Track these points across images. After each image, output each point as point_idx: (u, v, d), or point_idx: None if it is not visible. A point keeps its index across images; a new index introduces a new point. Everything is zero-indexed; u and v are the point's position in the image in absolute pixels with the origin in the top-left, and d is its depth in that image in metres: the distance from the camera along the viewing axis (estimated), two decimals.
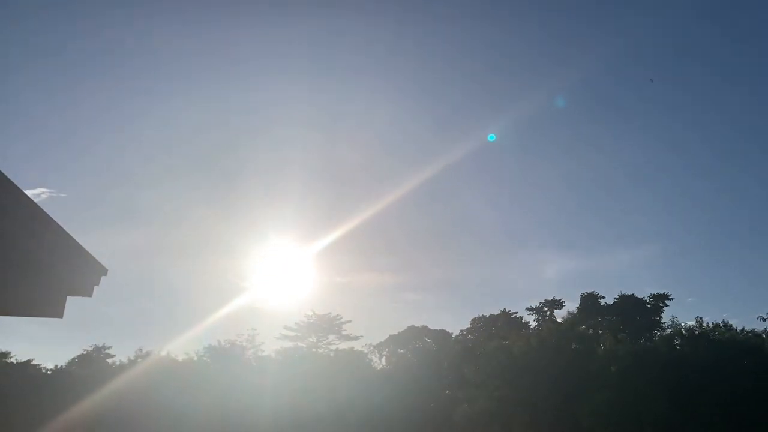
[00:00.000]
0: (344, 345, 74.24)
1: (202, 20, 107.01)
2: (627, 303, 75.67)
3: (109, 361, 70.21)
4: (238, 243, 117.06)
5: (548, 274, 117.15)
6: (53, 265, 4.59)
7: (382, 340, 78.33)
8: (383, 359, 77.17)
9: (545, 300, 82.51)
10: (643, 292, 79.45)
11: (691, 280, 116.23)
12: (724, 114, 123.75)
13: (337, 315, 76.45)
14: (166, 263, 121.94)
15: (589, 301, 77.87)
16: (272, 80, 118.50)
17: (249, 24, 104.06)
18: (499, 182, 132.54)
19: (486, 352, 58.86)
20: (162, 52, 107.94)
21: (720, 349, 51.92)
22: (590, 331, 68.59)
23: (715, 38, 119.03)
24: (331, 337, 75.94)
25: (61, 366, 67.04)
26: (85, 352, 70.48)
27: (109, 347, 71.46)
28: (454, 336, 77.98)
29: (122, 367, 63.97)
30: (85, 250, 4.70)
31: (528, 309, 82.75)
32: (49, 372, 63.93)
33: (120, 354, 71.27)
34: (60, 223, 4.46)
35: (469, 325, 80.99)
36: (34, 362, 63.48)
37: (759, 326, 59.36)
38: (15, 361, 61.76)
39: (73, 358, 69.89)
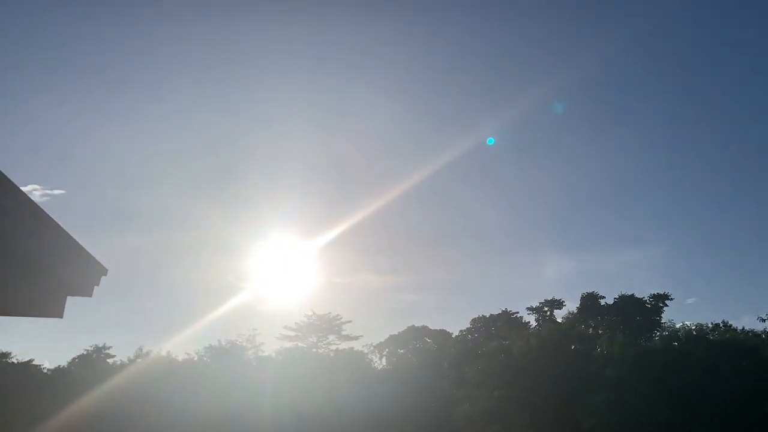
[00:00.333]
0: (344, 345, 74.33)
1: (201, 18, 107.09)
2: (627, 303, 75.73)
3: (109, 361, 70.17)
4: (238, 242, 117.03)
5: (548, 274, 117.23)
6: (53, 265, 4.58)
7: (382, 340, 78.45)
8: (383, 359, 77.28)
9: (545, 300, 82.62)
10: (644, 292, 79.50)
11: (692, 280, 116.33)
12: (725, 114, 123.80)
13: (337, 315, 76.53)
14: (165, 262, 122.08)
15: (589, 301, 77.92)
16: (272, 78, 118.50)
17: (249, 21, 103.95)
18: (499, 182, 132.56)
19: (486, 352, 58.89)
20: (161, 49, 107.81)
21: (720, 349, 51.93)
22: (590, 331, 68.64)
23: (716, 38, 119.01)
24: (331, 337, 75.98)
25: (61, 366, 67.06)
26: (85, 352, 70.45)
27: (109, 347, 71.48)
28: (454, 336, 78.04)
29: (122, 367, 63.95)
30: (85, 250, 4.70)
31: (528, 309, 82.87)
32: (49, 372, 63.91)
33: (120, 354, 71.25)
34: (58, 222, 4.46)
35: (469, 325, 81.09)
36: (34, 362, 63.51)
37: (759, 326, 59.50)
38: (15, 361, 61.77)
39: (73, 358, 69.90)
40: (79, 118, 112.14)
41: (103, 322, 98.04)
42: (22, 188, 4.22)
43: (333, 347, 74.31)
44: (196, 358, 67.08)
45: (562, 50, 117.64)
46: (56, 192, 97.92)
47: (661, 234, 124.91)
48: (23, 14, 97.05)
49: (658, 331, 70.50)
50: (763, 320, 58.03)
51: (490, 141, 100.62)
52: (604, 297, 78.38)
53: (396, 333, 78.10)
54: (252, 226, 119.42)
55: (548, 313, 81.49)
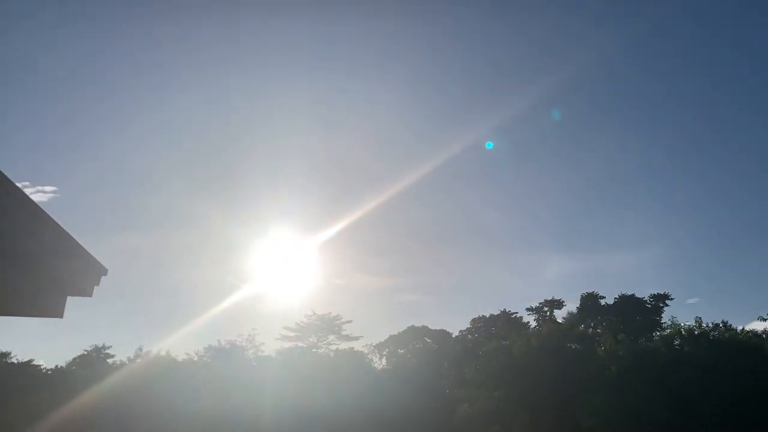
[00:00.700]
0: (344, 345, 74.35)
1: (201, 15, 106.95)
2: (627, 303, 75.76)
3: (109, 361, 70.23)
4: (238, 242, 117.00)
5: (548, 274, 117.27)
6: (53, 265, 4.58)
7: (382, 340, 78.46)
8: (383, 359, 77.25)
9: (545, 300, 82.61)
10: (644, 293, 79.48)
11: (693, 280, 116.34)
12: (725, 114, 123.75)
13: (337, 315, 76.53)
14: (165, 262, 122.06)
15: (589, 301, 77.96)
16: (273, 77, 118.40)
17: (248, 18, 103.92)
18: (499, 181, 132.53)
19: (486, 352, 58.90)
20: (161, 49, 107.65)
21: (720, 349, 51.94)
22: (590, 332, 68.66)
23: (715, 38, 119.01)
24: (332, 337, 76.00)
25: (61, 366, 67.08)
26: (85, 352, 70.50)
27: (109, 347, 71.53)
28: (454, 336, 78.03)
29: (122, 367, 63.98)
30: (85, 250, 4.70)
31: (528, 309, 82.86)
32: (49, 372, 63.93)
33: (120, 354, 71.35)
34: (58, 222, 4.46)
35: (469, 325, 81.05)
36: (34, 362, 63.52)
37: (759, 326, 59.49)
38: (15, 361, 61.78)
39: (74, 358, 69.95)
40: (78, 117, 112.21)
41: (103, 322, 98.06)
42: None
43: (333, 347, 74.41)
44: (195, 358, 67.16)
45: (561, 50, 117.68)
46: (53, 191, 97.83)
47: (661, 234, 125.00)
48: (23, 14, 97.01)
49: (658, 331, 70.51)
50: (764, 320, 58.08)
51: (489, 145, 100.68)
52: (604, 297, 78.44)
53: (396, 333, 78.11)
54: (252, 225, 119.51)
55: (548, 313, 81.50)
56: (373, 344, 77.72)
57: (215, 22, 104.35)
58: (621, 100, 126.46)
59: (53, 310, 4.87)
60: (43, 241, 4.40)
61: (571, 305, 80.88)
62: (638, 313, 75.21)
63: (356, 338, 76.47)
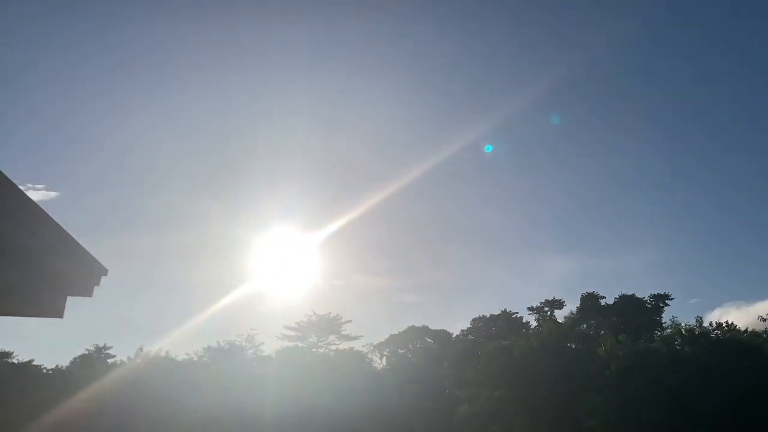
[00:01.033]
0: (344, 345, 74.29)
1: (201, 13, 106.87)
2: (627, 303, 75.80)
3: (110, 361, 70.22)
4: (238, 241, 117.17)
5: (549, 275, 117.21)
6: (53, 265, 4.59)
7: (383, 340, 78.47)
8: (383, 359, 77.25)
9: (546, 300, 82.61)
10: (645, 293, 79.47)
11: (694, 281, 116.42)
12: (725, 115, 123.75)
13: (338, 315, 76.49)
14: (165, 262, 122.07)
15: (590, 301, 78.00)
16: (272, 76, 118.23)
17: (249, 15, 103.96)
18: (499, 182, 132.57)
19: (486, 352, 58.91)
20: (161, 48, 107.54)
21: (721, 349, 51.93)
22: (590, 332, 68.69)
23: (713, 39, 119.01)
24: (332, 337, 75.96)
25: (62, 366, 67.09)
26: (85, 352, 70.50)
27: (109, 347, 71.52)
28: (454, 336, 78.04)
29: (122, 367, 63.97)
30: (85, 250, 4.71)
31: (528, 309, 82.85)
32: (49, 372, 63.93)
33: (120, 354, 71.27)
34: (58, 222, 4.47)
35: (469, 325, 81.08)
36: (34, 362, 63.51)
37: (760, 326, 59.44)
38: (15, 361, 61.76)
39: (74, 358, 69.95)
40: (77, 116, 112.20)
41: (103, 322, 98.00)
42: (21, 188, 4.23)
43: (333, 347, 74.34)
44: (195, 358, 67.14)
45: (561, 50, 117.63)
46: (50, 190, 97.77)
47: (662, 235, 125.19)
48: (24, 15, 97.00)
49: (658, 331, 70.52)
50: (764, 320, 58.08)
51: (488, 148, 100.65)
52: (604, 297, 78.50)
53: (396, 333, 78.11)
54: (252, 225, 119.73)
55: (549, 313, 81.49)
56: (373, 344, 77.78)
57: (215, 21, 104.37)
58: (620, 100, 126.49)
59: (53, 310, 4.88)
60: (43, 241, 4.41)
61: (572, 305, 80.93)
62: (638, 313, 75.24)
63: (356, 338, 76.52)
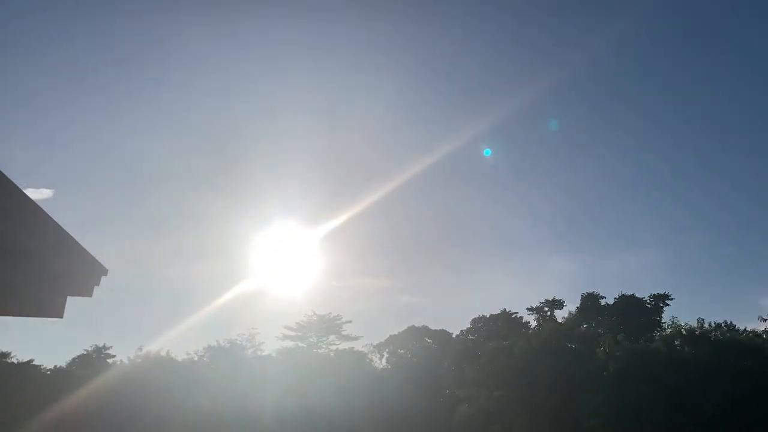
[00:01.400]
0: (345, 345, 74.32)
1: (201, 9, 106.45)
2: (627, 303, 75.87)
3: (109, 361, 70.25)
4: (238, 241, 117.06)
5: (549, 275, 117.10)
6: (53, 265, 4.58)
7: (383, 340, 78.51)
8: (383, 359, 77.28)
9: (546, 300, 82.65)
10: (645, 293, 79.48)
11: (694, 281, 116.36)
12: (725, 114, 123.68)
13: (338, 315, 76.52)
14: (165, 262, 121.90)
15: (590, 301, 78.06)
16: (273, 74, 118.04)
17: (249, 10, 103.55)
18: (499, 182, 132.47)
19: (486, 352, 58.93)
20: (157, 41, 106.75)
21: (721, 349, 51.95)
22: (591, 332, 68.69)
23: (712, 38, 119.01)
24: (332, 337, 75.99)
25: (62, 366, 67.09)
26: (85, 352, 70.52)
27: (109, 347, 71.55)
28: (454, 336, 78.07)
29: (122, 367, 64.00)
30: (85, 250, 4.70)
31: (528, 309, 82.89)
32: (49, 372, 63.94)
33: (120, 354, 71.29)
34: (58, 222, 4.46)
35: (469, 325, 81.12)
36: (34, 362, 63.51)
37: (760, 326, 59.46)
38: (15, 361, 61.76)
39: (74, 358, 69.96)
40: (77, 116, 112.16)
41: (103, 322, 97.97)
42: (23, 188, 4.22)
43: (333, 347, 74.40)
44: (195, 358, 67.16)
45: (562, 48, 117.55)
46: (53, 191, 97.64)
47: (662, 235, 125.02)
48: (22, 13, 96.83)
49: (658, 331, 70.55)
50: (765, 320, 58.04)
51: (487, 152, 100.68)
52: (604, 297, 78.54)
53: (396, 333, 78.16)
54: (251, 223, 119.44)
55: (549, 313, 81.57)
56: (373, 344, 77.81)
57: (213, 14, 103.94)
58: (620, 100, 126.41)
59: (53, 310, 4.87)
60: (43, 241, 4.40)
61: (572, 305, 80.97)
62: (638, 313, 75.31)
63: (356, 338, 76.56)
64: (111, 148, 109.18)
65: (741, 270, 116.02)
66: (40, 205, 4.36)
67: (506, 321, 78.89)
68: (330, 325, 75.97)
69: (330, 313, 76.33)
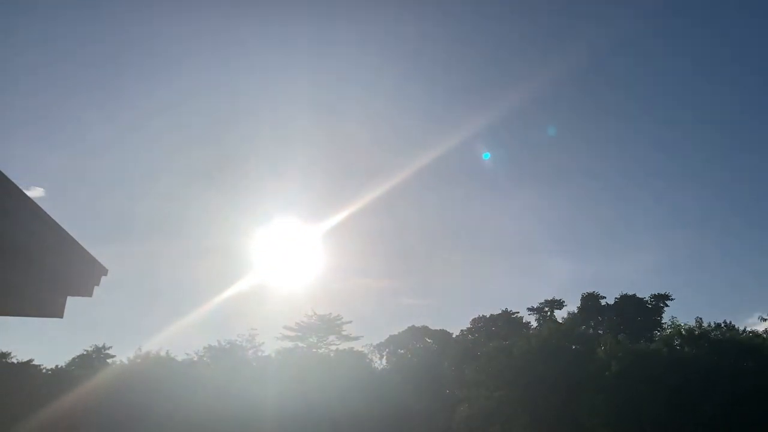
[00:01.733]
0: (345, 345, 74.33)
1: (198, 5, 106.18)
2: (627, 303, 75.93)
3: (109, 361, 70.29)
4: (238, 239, 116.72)
5: (549, 275, 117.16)
6: (53, 265, 4.57)
7: (383, 341, 78.56)
8: (384, 359, 77.33)
9: (546, 300, 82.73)
10: (645, 293, 79.52)
11: (695, 281, 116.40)
12: (726, 114, 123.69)
13: (338, 315, 76.53)
14: (165, 262, 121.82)
15: (590, 301, 78.11)
16: (272, 72, 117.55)
17: (248, 6, 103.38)
18: (499, 183, 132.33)
19: (486, 352, 58.91)
20: (154, 37, 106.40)
21: (721, 349, 51.93)
22: (591, 332, 68.74)
23: (715, 37, 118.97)
24: (332, 338, 76.01)
25: (61, 366, 67.10)
26: (85, 352, 70.55)
27: (108, 347, 71.59)
28: (454, 336, 78.09)
29: (122, 367, 64.01)
30: (85, 250, 4.69)
31: (528, 309, 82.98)
32: (49, 372, 63.94)
33: (120, 354, 71.35)
34: (58, 221, 4.45)
35: (469, 325, 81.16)
36: (34, 362, 63.51)
37: (760, 326, 59.44)
38: (15, 361, 61.76)
39: (73, 358, 69.99)
40: (76, 116, 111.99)
41: (103, 322, 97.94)
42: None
43: (333, 347, 74.42)
44: (195, 358, 67.18)
45: (563, 46, 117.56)
46: (44, 190, 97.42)
47: (662, 235, 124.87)
48: (14, 10, 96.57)
49: (658, 331, 70.56)
50: (765, 320, 58.01)
51: (486, 156, 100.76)
52: (604, 297, 78.62)
53: (396, 333, 78.22)
54: (251, 222, 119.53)
55: (549, 313, 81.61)
56: (373, 344, 77.87)
57: (212, 10, 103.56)
58: (620, 100, 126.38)
59: (53, 310, 4.86)
60: (43, 241, 4.39)
61: (572, 305, 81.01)
62: (639, 313, 75.38)
63: (356, 338, 76.59)
64: (106, 145, 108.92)
65: (741, 270, 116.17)
66: (40, 203, 4.35)
67: (506, 321, 78.94)
68: (330, 325, 75.97)
69: (330, 313, 76.41)
